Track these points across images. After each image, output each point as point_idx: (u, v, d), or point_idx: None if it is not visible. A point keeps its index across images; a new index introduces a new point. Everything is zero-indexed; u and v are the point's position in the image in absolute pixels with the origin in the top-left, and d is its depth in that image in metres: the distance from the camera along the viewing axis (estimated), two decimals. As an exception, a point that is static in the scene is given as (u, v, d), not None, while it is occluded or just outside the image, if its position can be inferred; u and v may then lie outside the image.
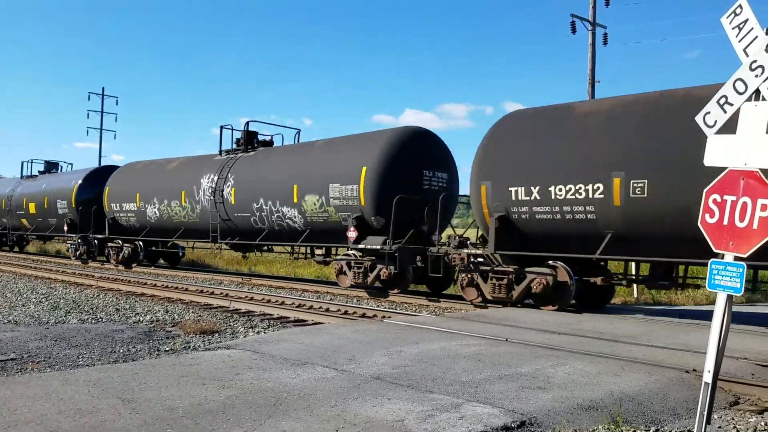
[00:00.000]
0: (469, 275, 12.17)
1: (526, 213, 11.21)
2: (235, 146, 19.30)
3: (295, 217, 16.01)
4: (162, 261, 24.01)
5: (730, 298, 3.75)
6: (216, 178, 18.35)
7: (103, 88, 58.09)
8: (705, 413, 3.76)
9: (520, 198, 11.19)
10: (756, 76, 3.72)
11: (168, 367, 5.78)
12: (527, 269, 11.37)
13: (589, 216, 10.46)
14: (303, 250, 17.67)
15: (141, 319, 10.34)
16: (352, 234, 14.09)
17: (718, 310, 3.77)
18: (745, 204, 3.67)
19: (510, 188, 11.31)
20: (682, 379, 5.70)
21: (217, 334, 8.95)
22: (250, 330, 9.49)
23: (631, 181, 9.92)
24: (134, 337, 8.49)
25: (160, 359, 6.63)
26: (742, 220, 3.67)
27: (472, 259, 12.14)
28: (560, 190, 10.69)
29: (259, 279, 18.63)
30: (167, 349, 7.79)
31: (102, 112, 49.92)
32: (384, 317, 10.37)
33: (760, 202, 3.60)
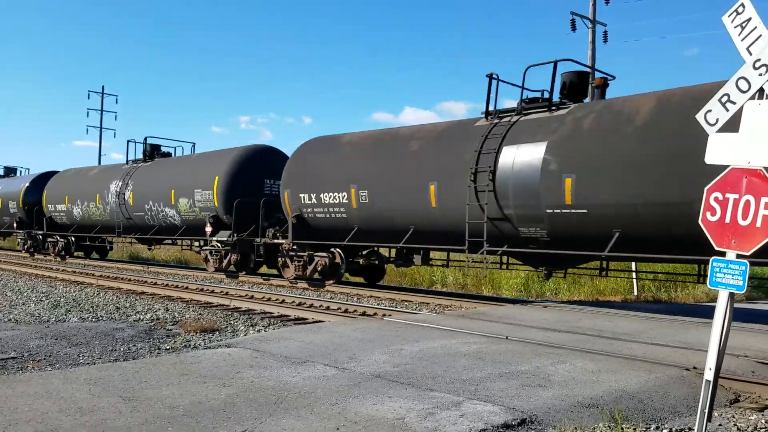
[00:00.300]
0: (283, 258, 16.39)
1: (311, 213, 15.30)
2: (141, 157, 23.12)
3: (174, 216, 20.02)
4: (95, 254, 28.34)
5: (731, 295, 3.75)
6: (120, 183, 22.40)
7: (102, 87, 58.11)
8: (706, 411, 3.76)
9: (306, 202, 15.30)
10: (760, 74, 3.71)
11: (169, 365, 5.78)
12: (315, 254, 15.51)
13: (343, 215, 14.55)
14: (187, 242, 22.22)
15: (141, 317, 10.35)
16: (208, 229, 18.30)
17: (720, 307, 3.76)
18: (748, 202, 3.66)
19: (300, 194, 15.41)
20: (682, 376, 5.70)
21: (217, 333, 8.95)
22: (251, 328, 9.49)
23: (359, 191, 13.97)
24: (135, 336, 8.49)
25: (160, 358, 6.63)
26: (744, 218, 3.66)
27: (291, 247, 16.07)
28: (326, 196, 14.81)
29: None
30: (168, 347, 7.79)
31: (102, 110, 49.89)
32: (384, 315, 10.37)
33: (764, 200, 3.59)
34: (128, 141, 23.82)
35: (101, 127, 49.76)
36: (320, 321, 10.07)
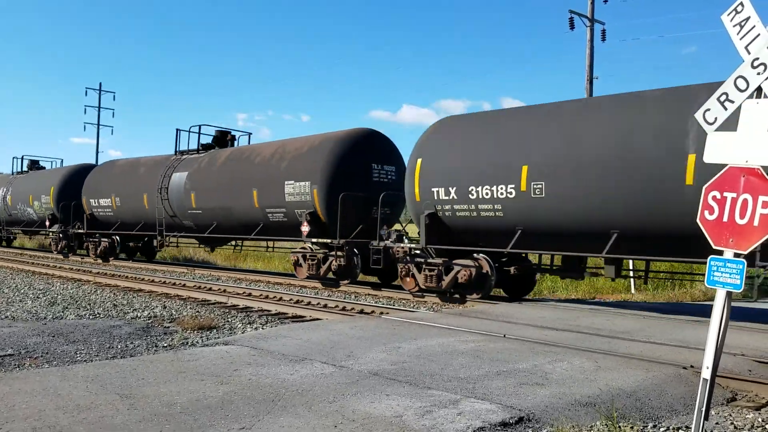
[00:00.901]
0: (86, 242, 24.31)
1: (96, 211, 23.84)
2: (20, 170, 31.70)
3: (32, 213, 28.17)
4: (5, 243, 35.58)
5: (729, 294, 3.75)
6: (5, 189, 30.79)
7: (100, 84, 57.91)
8: (703, 409, 3.77)
9: (93, 204, 23.90)
10: (758, 73, 3.71)
11: (166, 362, 5.77)
12: (102, 239, 23.63)
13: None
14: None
15: (139, 314, 10.33)
16: (47, 223, 26.54)
17: (717, 306, 3.77)
18: (745, 201, 3.66)
19: (90, 199, 23.93)
20: (679, 375, 5.71)
21: (215, 330, 8.95)
22: (248, 326, 9.49)
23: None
24: (132, 333, 8.48)
25: (158, 355, 6.62)
26: (742, 217, 3.66)
27: (91, 234, 24.00)
28: (103, 201, 23.23)
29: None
30: (165, 344, 7.78)
31: (99, 107, 49.78)
32: (382, 313, 10.37)
33: (761, 199, 3.59)
34: (13, 157, 33.85)
35: (98, 124, 49.69)
36: (318, 319, 10.07)
